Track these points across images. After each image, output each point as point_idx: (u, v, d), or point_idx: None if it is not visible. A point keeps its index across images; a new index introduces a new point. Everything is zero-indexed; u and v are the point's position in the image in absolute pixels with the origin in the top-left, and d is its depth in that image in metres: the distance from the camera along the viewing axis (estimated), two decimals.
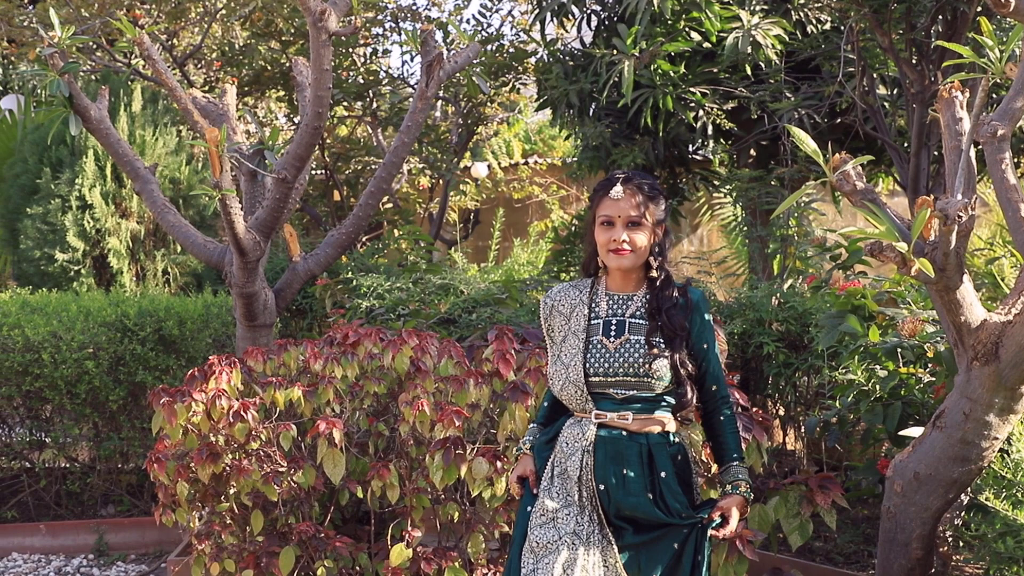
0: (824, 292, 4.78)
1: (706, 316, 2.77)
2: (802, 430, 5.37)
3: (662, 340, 2.68)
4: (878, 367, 4.27)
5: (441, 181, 10.14)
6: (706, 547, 2.67)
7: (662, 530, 2.65)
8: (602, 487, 2.66)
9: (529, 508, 2.74)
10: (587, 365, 2.69)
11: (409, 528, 3.62)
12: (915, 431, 3.69)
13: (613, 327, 2.72)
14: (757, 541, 3.49)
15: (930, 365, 4.18)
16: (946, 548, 4.11)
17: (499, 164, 12.41)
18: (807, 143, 2.85)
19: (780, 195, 6.63)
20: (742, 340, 5.15)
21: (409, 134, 5.24)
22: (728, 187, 7.49)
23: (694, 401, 2.72)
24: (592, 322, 2.75)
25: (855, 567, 4.62)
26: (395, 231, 8.67)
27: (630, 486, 2.65)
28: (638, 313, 2.73)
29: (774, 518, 3.65)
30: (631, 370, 2.66)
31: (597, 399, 2.69)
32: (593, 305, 2.78)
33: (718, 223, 9.92)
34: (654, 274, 2.74)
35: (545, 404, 2.95)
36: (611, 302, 2.76)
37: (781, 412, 5.48)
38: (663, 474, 2.67)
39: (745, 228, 7.62)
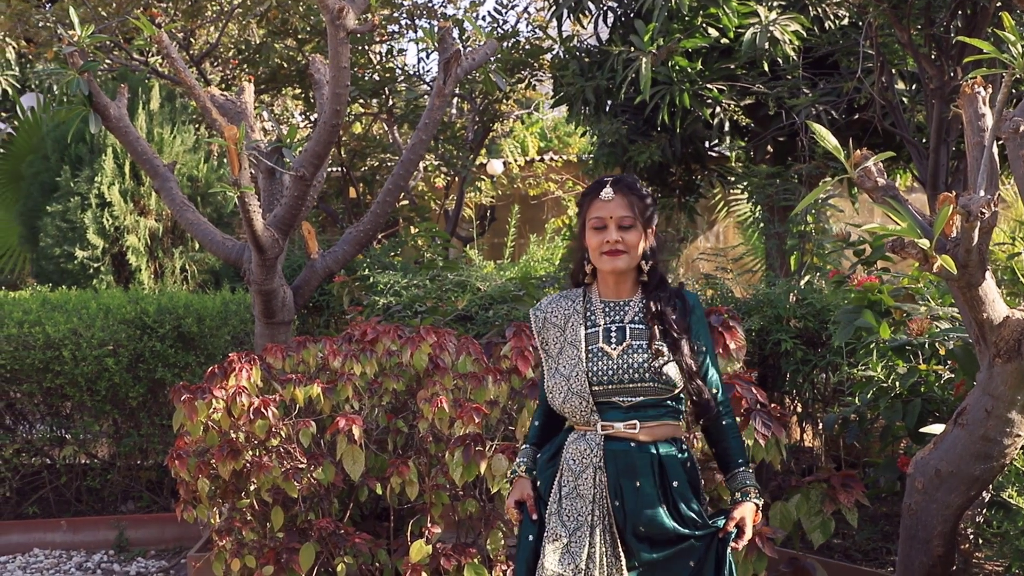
0: (844, 287, 4.76)
1: (703, 319, 2.72)
2: (820, 427, 5.35)
3: (665, 344, 2.62)
4: (897, 364, 4.25)
5: (457, 178, 10.16)
6: (727, 560, 2.63)
7: (678, 545, 2.58)
8: (617, 503, 2.58)
9: (531, 536, 2.66)
10: (590, 374, 2.61)
11: (428, 524, 3.63)
12: (936, 428, 3.67)
13: (613, 334, 2.64)
14: (778, 539, 3.48)
15: (950, 362, 4.16)
16: (967, 545, 4.09)
17: (515, 161, 12.40)
18: (828, 139, 2.83)
19: (797, 191, 6.60)
20: (759, 337, 5.13)
21: (427, 131, 5.25)
22: (745, 183, 7.46)
23: (714, 406, 2.66)
24: (590, 330, 2.67)
25: (874, 564, 4.60)
26: (411, 228, 8.68)
27: (644, 498, 2.57)
28: (636, 318, 2.66)
29: (796, 516, 3.64)
30: (636, 375, 2.59)
31: (602, 409, 2.61)
32: (588, 313, 2.70)
33: (735, 220, 9.90)
34: (646, 278, 2.69)
35: (536, 424, 2.85)
36: (607, 309, 2.69)
37: (799, 409, 5.45)
38: (676, 483, 2.60)
39: (762, 225, 7.59)
